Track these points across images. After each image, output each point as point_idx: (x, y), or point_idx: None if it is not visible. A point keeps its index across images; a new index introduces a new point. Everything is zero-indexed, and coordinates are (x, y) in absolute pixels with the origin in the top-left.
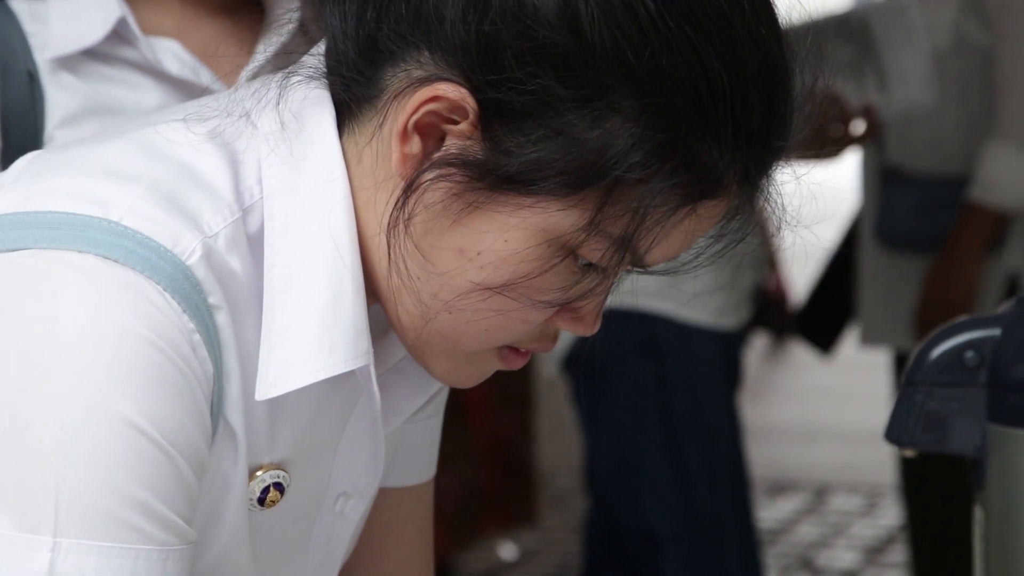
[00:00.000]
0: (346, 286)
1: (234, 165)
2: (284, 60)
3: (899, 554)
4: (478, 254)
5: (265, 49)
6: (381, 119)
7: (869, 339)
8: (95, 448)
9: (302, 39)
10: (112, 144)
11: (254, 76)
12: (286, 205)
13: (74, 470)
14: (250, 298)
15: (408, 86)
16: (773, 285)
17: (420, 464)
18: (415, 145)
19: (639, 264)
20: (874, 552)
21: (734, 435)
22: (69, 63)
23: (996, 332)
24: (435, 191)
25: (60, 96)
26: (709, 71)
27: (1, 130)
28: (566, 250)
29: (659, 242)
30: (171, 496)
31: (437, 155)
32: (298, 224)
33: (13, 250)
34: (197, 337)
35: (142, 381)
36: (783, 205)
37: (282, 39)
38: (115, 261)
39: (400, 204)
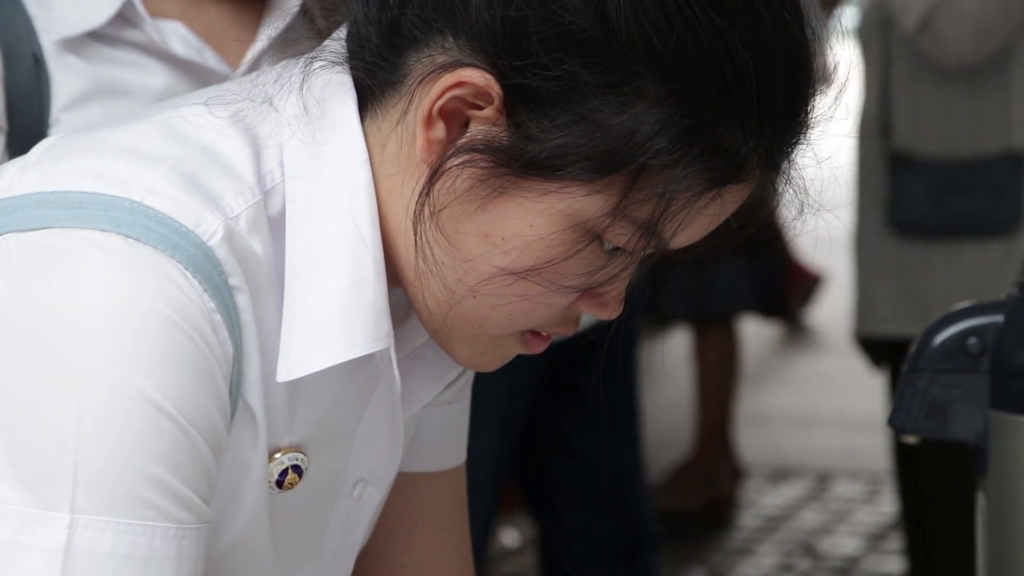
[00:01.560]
0: (367, 270)
1: (256, 148)
2: (288, 44)
3: (900, 541)
4: (503, 239)
5: (269, 33)
6: (405, 105)
7: (872, 326)
8: (114, 425)
9: (305, 24)
10: (134, 127)
11: (258, 59)
12: (308, 188)
13: (92, 447)
14: (271, 280)
15: (432, 71)
16: (790, 272)
17: (449, 449)
18: (439, 131)
19: (664, 248)
20: (876, 539)
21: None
22: (74, 45)
23: (999, 319)
24: (460, 177)
25: (66, 78)
26: (735, 56)
27: (7, 113)
28: (591, 235)
29: (685, 227)
30: (188, 474)
31: (462, 141)
32: (320, 208)
33: (36, 229)
34: (217, 317)
35: (162, 360)
36: (805, 188)
37: (285, 23)
38: (137, 240)
39: (426, 191)
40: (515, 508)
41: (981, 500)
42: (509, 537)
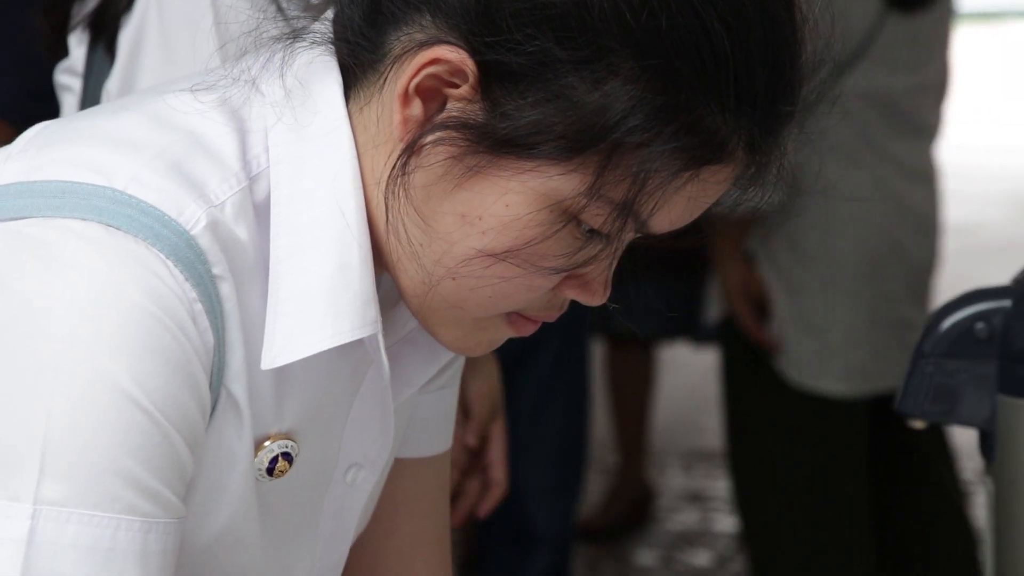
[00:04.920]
0: (353, 255)
1: (241, 133)
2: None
3: None
4: (479, 219)
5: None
6: (382, 82)
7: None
8: (84, 416)
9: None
10: (119, 115)
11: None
12: (292, 174)
13: (61, 438)
14: (256, 267)
15: (409, 49)
16: None
17: (435, 435)
18: (416, 108)
19: (644, 231)
20: None
21: None
22: None
23: (1006, 303)
24: (435, 154)
25: None
26: (710, 33)
27: None
28: (568, 216)
29: (661, 207)
30: (159, 468)
31: (438, 119)
32: (304, 193)
33: (17, 219)
34: (199, 307)
35: (138, 351)
36: (793, 174)
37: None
38: (118, 229)
39: (399, 167)
40: None
41: (988, 484)
42: None
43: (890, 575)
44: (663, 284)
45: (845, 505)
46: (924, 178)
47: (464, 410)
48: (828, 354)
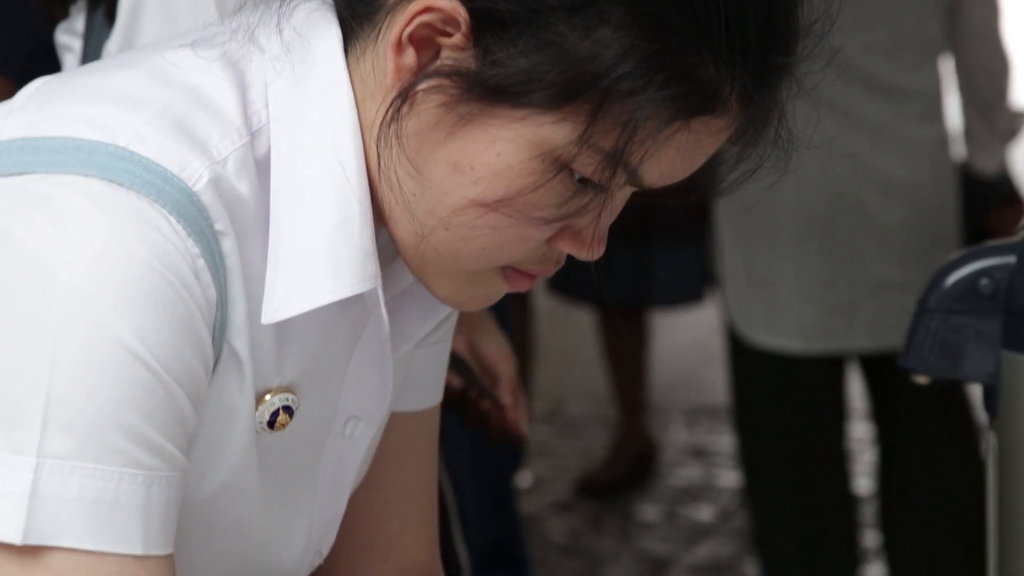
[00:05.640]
0: (353, 210)
1: (242, 88)
2: None
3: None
4: (471, 168)
5: None
6: (377, 34)
7: None
8: (87, 371)
9: None
10: (120, 72)
11: None
12: (292, 129)
13: (65, 391)
14: (258, 222)
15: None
16: None
17: (426, 390)
18: (409, 57)
19: (637, 183)
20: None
21: None
22: None
23: (1011, 259)
24: (428, 102)
25: None
26: None
27: None
28: (559, 164)
29: (652, 157)
30: (162, 421)
31: (431, 67)
32: (304, 148)
33: (19, 175)
34: (201, 262)
35: (141, 306)
36: (791, 128)
37: None
38: (120, 186)
39: (391, 114)
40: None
41: (992, 440)
42: (520, 477)
43: (897, 534)
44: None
45: (816, 461)
46: (898, 140)
47: (488, 375)
48: (776, 310)
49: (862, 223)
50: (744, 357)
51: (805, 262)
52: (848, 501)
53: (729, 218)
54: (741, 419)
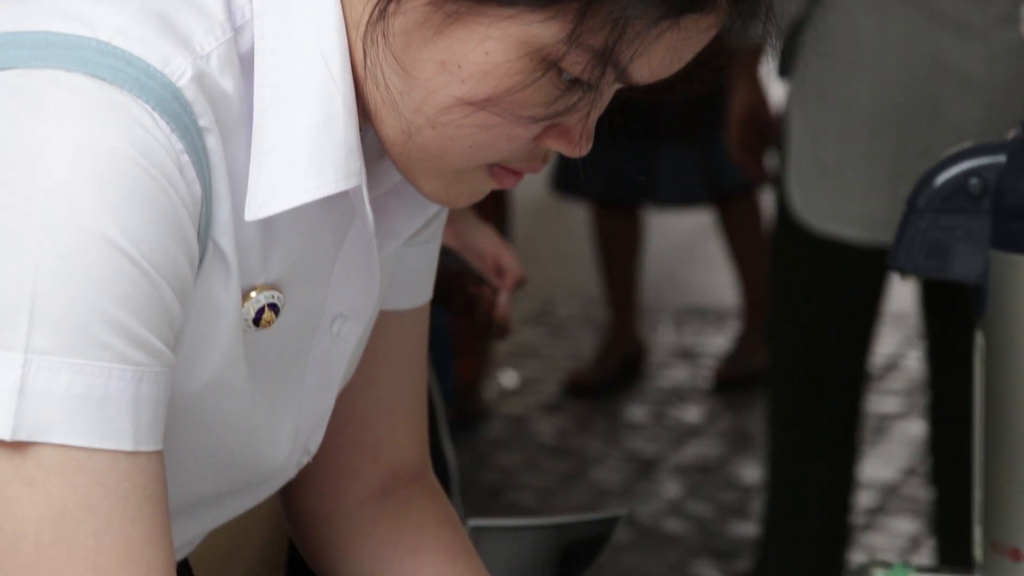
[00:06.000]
0: (337, 106)
1: None
2: None
3: (898, 382)
4: (459, 67)
5: None
6: None
7: None
8: (74, 266)
9: None
10: None
11: None
12: (277, 24)
13: (51, 287)
14: (241, 119)
15: None
16: None
17: (415, 288)
18: None
19: (626, 81)
20: (873, 380)
21: None
22: None
23: (1001, 159)
24: (415, 0)
25: None
26: None
27: None
28: (547, 63)
29: (641, 56)
30: (149, 317)
31: None
32: (288, 44)
33: (2, 69)
34: (185, 158)
35: (126, 202)
36: (780, 32)
37: None
38: (104, 80)
39: (378, 12)
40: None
41: (980, 339)
42: (508, 378)
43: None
44: (677, 151)
45: (846, 349)
46: (980, 39)
47: (491, 269)
48: (843, 198)
49: (937, 120)
50: (797, 243)
51: (876, 154)
52: (861, 384)
53: (800, 104)
54: (781, 302)
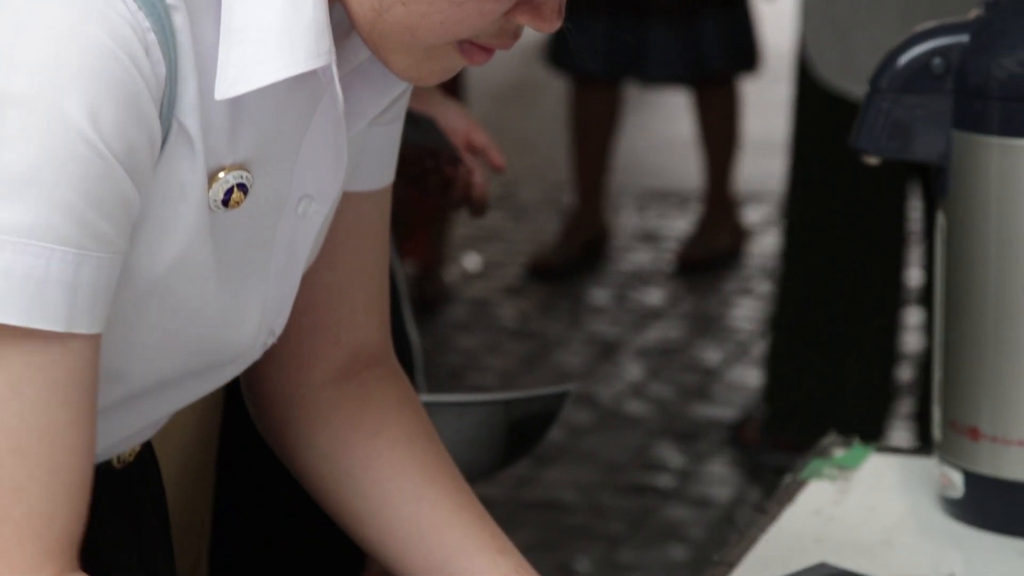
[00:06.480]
0: None
1: None
2: None
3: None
4: None
5: None
6: None
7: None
8: (24, 140)
9: None
10: None
11: None
12: None
13: (3, 162)
14: None
15: None
16: None
17: (379, 169)
18: None
19: None
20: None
21: None
22: None
23: (964, 39)
24: None
25: None
26: None
27: None
28: None
29: None
30: (100, 201)
31: None
32: None
33: None
34: (152, 37)
35: (87, 81)
36: None
37: None
38: None
39: None
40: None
41: (941, 219)
42: (471, 262)
43: None
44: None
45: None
46: None
47: (463, 146)
48: (852, 55)
49: None
50: (811, 97)
51: (884, 13)
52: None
53: None
54: (798, 154)
